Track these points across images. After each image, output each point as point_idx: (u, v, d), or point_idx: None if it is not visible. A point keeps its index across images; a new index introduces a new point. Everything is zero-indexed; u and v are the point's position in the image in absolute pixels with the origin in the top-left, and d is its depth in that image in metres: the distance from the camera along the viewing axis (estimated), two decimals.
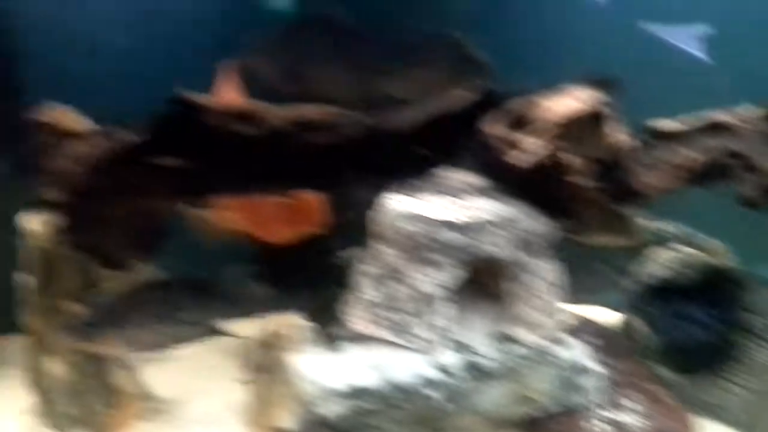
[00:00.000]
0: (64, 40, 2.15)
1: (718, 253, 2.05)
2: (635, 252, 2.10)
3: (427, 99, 1.61)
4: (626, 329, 2.08)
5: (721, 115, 1.81)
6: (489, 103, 1.61)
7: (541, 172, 1.52)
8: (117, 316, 1.62)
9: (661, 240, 2.13)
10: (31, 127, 1.64)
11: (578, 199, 1.56)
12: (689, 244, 2.10)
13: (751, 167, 1.76)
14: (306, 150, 1.54)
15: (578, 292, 2.25)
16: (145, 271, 1.83)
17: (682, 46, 2.41)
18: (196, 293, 1.78)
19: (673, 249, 2.07)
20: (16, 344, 1.86)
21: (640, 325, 2.03)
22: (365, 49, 2.07)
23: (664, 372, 1.97)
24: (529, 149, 1.53)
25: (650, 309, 2.04)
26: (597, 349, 1.90)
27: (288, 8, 2.22)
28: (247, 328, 2.32)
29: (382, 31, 2.14)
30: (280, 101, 1.72)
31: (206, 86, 1.80)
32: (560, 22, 2.40)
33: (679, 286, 2.02)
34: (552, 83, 1.62)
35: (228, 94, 1.82)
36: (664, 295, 2.04)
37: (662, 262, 2.05)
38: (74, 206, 1.62)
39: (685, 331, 2.02)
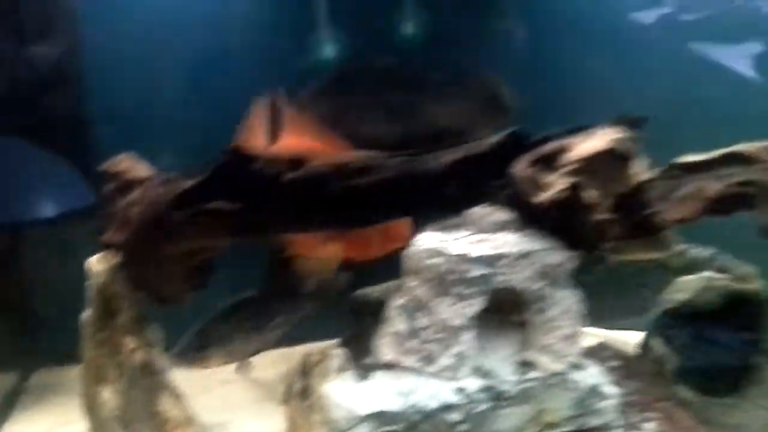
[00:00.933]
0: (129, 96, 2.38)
1: (749, 278, 2.09)
2: (666, 268, 2.17)
3: (460, 142, 1.74)
4: (645, 351, 2.15)
5: (742, 147, 1.91)
6: (519, 145, 1.73)
7: (563, 207, 1.63)
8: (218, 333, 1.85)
9: (694, 265, 2.20)
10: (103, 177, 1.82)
11: (597, 232, 1.67)
12: (720, 269, 2.16)
13: None
14: (348, 192, 1.68)
15: (612, 315, 2.29)
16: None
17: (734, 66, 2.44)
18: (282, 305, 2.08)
19: (700, 273, 2.14)
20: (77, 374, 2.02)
21: (659, 347, 2.09)
22: (405, 89, 2.20)
23: (684, 393, 2.03)
24: (550, 188, 1.64)
25: (671, 331, 2.11)
26: (614, 370, 1.98)
27: (333, 59, 2.39)
28: (290, 356, 2.46)
29: (423, 71, 2.27)
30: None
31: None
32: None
33: (702, 309, 2.08)
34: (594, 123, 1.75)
35: (257, 135, 1.96)
36: (686, 318, 2.10)
37: (686, 285, 2.12)
38: (131, 246, 1.78)
39: (707, 353, 2.08)
